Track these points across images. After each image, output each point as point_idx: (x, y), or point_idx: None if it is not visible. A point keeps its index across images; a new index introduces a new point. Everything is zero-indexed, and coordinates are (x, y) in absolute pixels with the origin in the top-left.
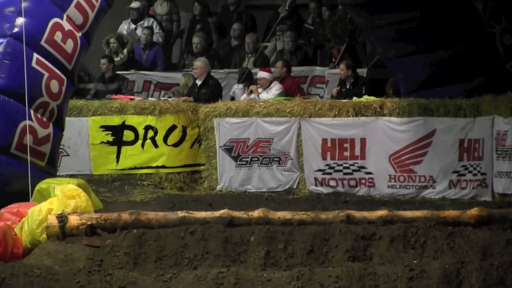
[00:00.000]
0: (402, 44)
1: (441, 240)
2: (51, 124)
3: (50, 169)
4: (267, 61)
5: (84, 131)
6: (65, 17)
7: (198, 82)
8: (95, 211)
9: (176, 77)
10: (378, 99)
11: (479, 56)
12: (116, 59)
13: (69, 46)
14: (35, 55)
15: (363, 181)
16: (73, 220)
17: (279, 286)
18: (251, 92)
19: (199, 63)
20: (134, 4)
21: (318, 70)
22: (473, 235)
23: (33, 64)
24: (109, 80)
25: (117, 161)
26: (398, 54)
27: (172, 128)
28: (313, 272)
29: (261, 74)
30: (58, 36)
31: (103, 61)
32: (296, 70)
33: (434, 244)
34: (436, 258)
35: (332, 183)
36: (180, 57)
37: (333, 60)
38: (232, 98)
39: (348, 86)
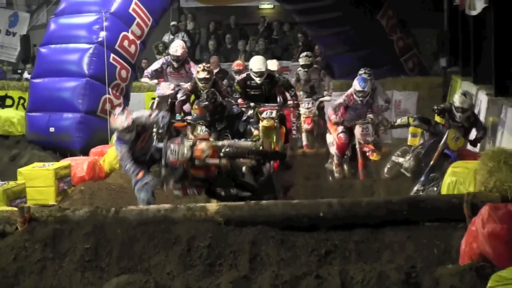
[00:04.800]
0: (337, 46)
1: None
2: (121, 97)
3: None
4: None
5: (141, 103)
6: (130, 31)
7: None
8: None
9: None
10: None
11: (384, 53)
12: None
13: (132, 49)
14: (112, 55)
15: None
16: None
17: None
18: None
19: (214, 58)
20: (173, 23)
21: (284, 63)
22: None
23: (111, 60)
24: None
25: None
26: (335, 53)
27: None
28: None
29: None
30: (125, 43)
31: (144, 60)
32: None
33: None
34: None
35: None
36: (200, 56)
37: (293, 56)
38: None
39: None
